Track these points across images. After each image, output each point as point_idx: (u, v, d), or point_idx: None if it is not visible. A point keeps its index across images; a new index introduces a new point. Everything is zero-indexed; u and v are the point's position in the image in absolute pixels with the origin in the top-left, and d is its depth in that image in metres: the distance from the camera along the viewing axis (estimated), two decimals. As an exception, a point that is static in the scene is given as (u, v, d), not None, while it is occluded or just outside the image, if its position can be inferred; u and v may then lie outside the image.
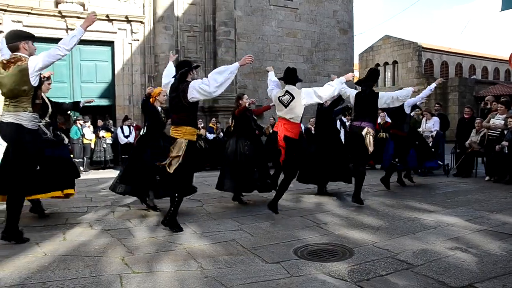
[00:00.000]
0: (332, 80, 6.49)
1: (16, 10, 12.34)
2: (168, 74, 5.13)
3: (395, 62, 28.02)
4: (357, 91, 6.32)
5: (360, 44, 77.76)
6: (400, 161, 7.52)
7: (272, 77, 5.83)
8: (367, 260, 3.61)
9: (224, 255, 3.76)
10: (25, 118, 4.00)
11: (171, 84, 4.70)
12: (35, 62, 3.96)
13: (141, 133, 11.90)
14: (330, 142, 6.89)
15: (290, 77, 5.41)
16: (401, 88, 7.72)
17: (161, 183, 5.28)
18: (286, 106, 5.25)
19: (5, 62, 3.99)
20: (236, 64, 4.56)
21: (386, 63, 28.62)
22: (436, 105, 11.23)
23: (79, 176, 5.92)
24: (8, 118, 3.98)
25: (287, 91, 5.30)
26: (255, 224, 4.95)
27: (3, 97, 4.08)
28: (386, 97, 6.04)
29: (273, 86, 5.69)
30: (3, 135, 4.10)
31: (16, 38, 4.07)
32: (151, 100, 5.74)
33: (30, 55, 4.07)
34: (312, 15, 16.95)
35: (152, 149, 5.53)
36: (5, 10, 12.23)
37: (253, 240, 4.30)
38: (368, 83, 6.22)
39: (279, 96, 5.33)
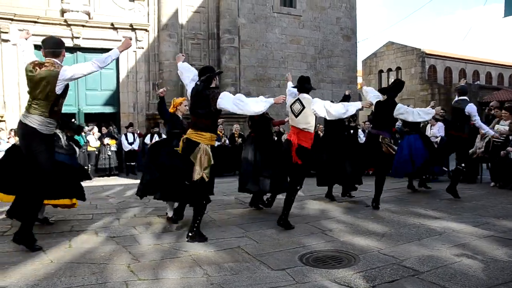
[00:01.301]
0: (348, 94, 6.47)
1: (23, 19, 12.49)
2: (187, 74, 4.89)
3: (398, 68, 28.01)
4: (378, 99, 6.32)
5: (364, 50, 78.05)
6: (460, 163, 7.21)
7: (289, 87, 5.76)
8: (372, 266, 3.60)
9: (230, 262, 3.76)
10: (39, 122, 4.05)
11: (193, 88, 4.63)
12: (67, 71, 4.08)
13: (147, 140, 11.95)
14: (340, 147, 6.94)
15: (303, 85, 5.32)
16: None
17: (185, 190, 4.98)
18: (296, 116, 5.20)
19: (38, 63, 4.08)
20: (271, 101, 4.61)
21: (389, 69, 28.62)
22: (441, 110, 11.20)
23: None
24: (25, 119, 4.07)
25: (298, 100, 5.24)
26: (260, 231, 4.95)
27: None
28: (402, 110, 6.14)
29: (289, 96, 5.57)
30: (19, 134, 4.21)
31: (60, 46, 4.26)
32: (171, 109, 5.74)
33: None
34: (315, 22, 17.04)
35: (166, 150, 5.45)
36: (12, 19, 12.39)
37: (258, 247, 4.30)
38: (392, 93, 6.26)
39: (291, 105, 5.30)
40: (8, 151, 5.12)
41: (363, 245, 4.30)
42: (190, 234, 4.49)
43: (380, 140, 6.13)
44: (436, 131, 9.64)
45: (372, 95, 6.48)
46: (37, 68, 4.03)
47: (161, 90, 5.80)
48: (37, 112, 4.04)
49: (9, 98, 12.64)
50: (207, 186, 4.54)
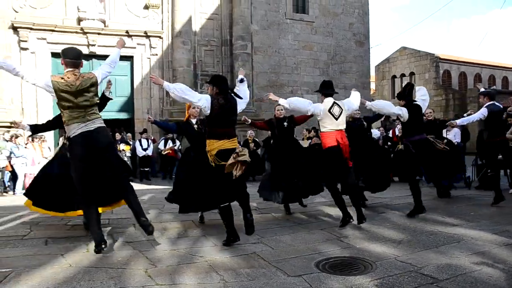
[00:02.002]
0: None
1: (41, 28, 12.76)
2: (187, 90, 4.77)
3: (412, 74, 27.82)
4: (405, 108, 6.05)
5: (377, 56, 77.64)
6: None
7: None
8: (390, 274, 3.57)
9: (246, 268, 3.76)
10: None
11: (215, 99, 4.57)
12: (99, 77, 4.39)
13: (160, 146, 12.05)
14: (366, 153, 6.92)
15: (330, 89, 5.52)
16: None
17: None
18: (337, 118, 5.38)
19: (71, 74, 4.22)
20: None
21: (402, 75, 28.44)
22: (456, 117, 11.08)
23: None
24: (94, 124, 4.25)
25: (335, 103, 5.42)
26: (275, 237, 4.94)
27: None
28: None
29: (310, 101, 5.67)
30: (99, 141, 4.27)
31: (81, 57, 4.45)
32: (186, 114, 5.85)
33: None
34: (328, 28, 17.05)
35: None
36: (31, 29, 12.67)
37: (274, 253, 4.29)
38: (411, 98, 6.19)
39: (329, 109, 5.38)
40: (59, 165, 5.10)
41: (379, 252, 4.26)
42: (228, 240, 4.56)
43: (432, 140, 6.24)
44: (452, 137, 9.50)
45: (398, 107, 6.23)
46: (73, 79, 4.16)
47: (148, 117, 6.03)
48: (98, 116, 4.35)
49: (27, 105, 12.88)
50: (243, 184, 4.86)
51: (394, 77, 28.85)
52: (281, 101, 5.70)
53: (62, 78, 4.18)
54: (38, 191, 5.13)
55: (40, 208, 5.13)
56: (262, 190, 6.45)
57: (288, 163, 6.21)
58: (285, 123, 6.45)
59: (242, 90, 5.09)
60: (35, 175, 5.46)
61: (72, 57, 4.31)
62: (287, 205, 6.51)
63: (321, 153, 5.70)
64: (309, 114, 5.70)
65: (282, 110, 6.46)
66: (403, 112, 5.98)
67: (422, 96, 6.37)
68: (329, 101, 5.44)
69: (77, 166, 4.25)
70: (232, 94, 4.77)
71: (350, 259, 4.05)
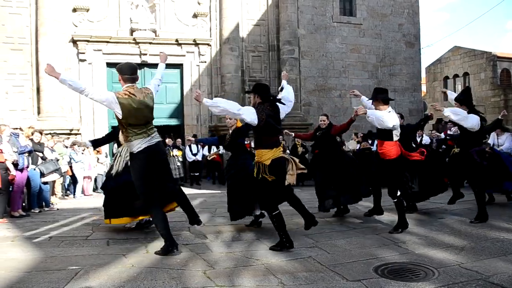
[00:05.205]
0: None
1: (97, 40, 13.45)
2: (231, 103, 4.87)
3: (466, 74, 26.55)
4: (476, 116, 5.75)
5: (428, 57, 74.75)
6: None
7: (364, 101, 5.88)
8: (455, 281, 3.42)
9: (303, 272, 3.74)
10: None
11: (261, 108, 4.59)
12: (154, 92, 4.61)
13: (205, 151, 12.32)
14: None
15: (386, 97, 5.36)
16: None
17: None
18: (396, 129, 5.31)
19: (132, 92, 4.35)
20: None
21: (456, 75, 27.21)
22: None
23: None
24: (155, 139, 4.47)
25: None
26: (330, 242, 4.88)
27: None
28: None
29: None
30: (160, 155, 4.54)
31: (137, 71, 4.60)
32: (237, 124, 5.93)
33: None
34: (376, 30, 16.68)
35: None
36: (88, 41, 13.39)
37: (330, 257, 4.24)
38: (472, 103, 5.93)
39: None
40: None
41: (441, 258, 4.09)
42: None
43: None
44: (503, 141, 8.67)
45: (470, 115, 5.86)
46: (135, 96, 4.32)
47: (187, 139, 6.22)
48: (155, 131, 4.56)
49: (84, 113, 13.58)
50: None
51: (446, 78, 27.65)
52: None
53: (126, 95, 4.26)
54: (112, 206, 5.42)
55: (117, 218, 5.40)
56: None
57: (330, 173, 6.23)
58: (318, 133, 6.50)
59: (286, 92, 5.03)
60: (105, 192, 5.73)
61: (130, 73, 4.45)
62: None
63: (384, 163, 5.47)
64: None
65: (323, 120, 6.47)
66: (475, 123, 5.66)
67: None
68: (390, 110, 5.29)
69: (142, 176, 4.41)
70: (276, 101, 4.68)
71: (410, 265, 3.92)
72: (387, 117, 5.18)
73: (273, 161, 4.47)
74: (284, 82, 5.31)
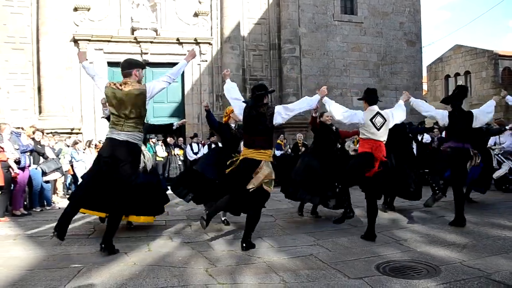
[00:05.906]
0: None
1: (99, 39, 13.43)
2: (233, 92, 5.04)
3: (467, 73, 26.49)
4: (448, 111, 5.73)
5: (429, 55, 74.39)
6: None
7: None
8: (457, 279, 3.42)
9: (305, 269, 3.75)
10: (139, 138, 4.43)
11: (246, 107, 4.69)
12: (152, 88, 4.43)
13: (205, 150, 12.27)
14: (403, 158, 6.64)
15: (374, 97, 5.24)
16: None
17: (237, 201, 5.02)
18: (378, 129, 5.06)
19: (120, 83, 4.37)
20: (317, 97, 5.00)
21: (457, 74, 27.15)
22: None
23: (168, 201, 6.00)
24: (125, 137, 4.30)
25: (378, 113, 5.12)
26: (332, 240, 4.88)
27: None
28: (483, 116, 5.70)
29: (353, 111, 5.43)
30: (118, 153, 4.28)
31: (130, 66, 4.50)
32: (224, 119, 5.92)
33: (138, 81, 4.46)
34: (377, 28, 16.65)
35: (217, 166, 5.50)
36: (89, 40, 13.38)
37: (332, 255, 4.24)
38: (458, 102, 5.75)
39: (371, 118, 5.09)
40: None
41: (442, 256, 4.10)
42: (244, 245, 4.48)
43: (471, 154, 5.63)
44: (504, 140, 8.55)
45: (440, 110, 5.90)
46: (122, 87, 4.29)
47: (205, 103, 6.12)
48: (136, 130, 4.36)
49: (85, 113, 13.59)
50: (266, 197, 4.67)
51: (447, 76, 27.60)
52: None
53: (115, 86, 4.32)
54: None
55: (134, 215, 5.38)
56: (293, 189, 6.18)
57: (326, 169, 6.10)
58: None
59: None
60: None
61: (127, 68, 4.46)
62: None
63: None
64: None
65: (328, 116, 6.40)
66: (440, 116, 5.67)
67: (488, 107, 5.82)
68: (373, 109, 5.15)
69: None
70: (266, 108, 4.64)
71: (411, 263, 3.93)
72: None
73: (243, 159, 4.58)
74: (325, 99, 5.38)
